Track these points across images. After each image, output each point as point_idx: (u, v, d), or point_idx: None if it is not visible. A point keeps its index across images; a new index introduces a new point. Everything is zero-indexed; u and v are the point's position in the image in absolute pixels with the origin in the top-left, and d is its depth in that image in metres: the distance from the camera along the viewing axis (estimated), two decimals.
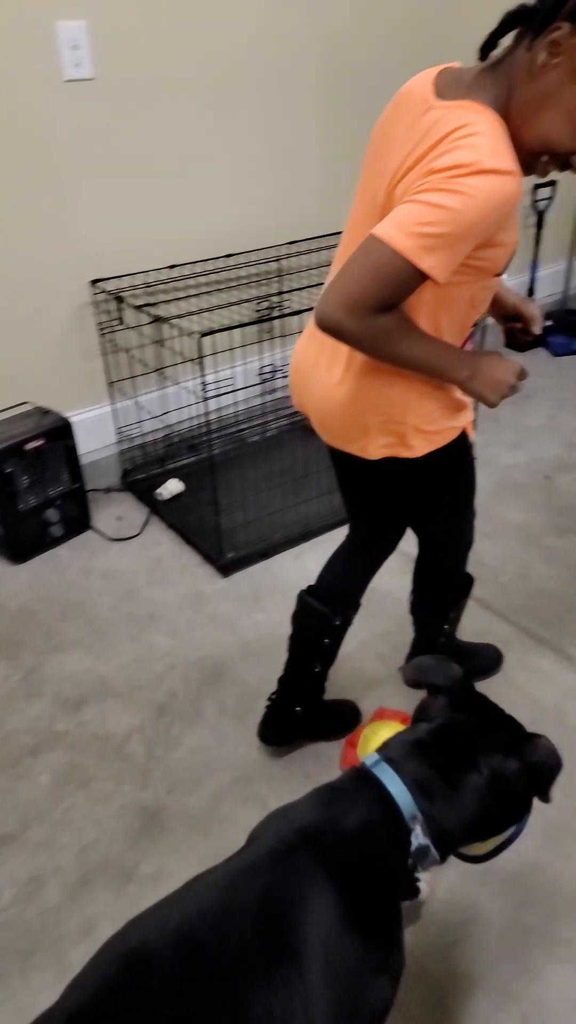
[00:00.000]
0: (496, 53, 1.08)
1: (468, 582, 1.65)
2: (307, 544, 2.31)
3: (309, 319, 1.29)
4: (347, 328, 1.05)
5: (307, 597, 1.61)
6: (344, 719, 1.72)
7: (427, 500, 1.42)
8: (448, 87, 1.05)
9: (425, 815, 0.91)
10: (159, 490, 2.47)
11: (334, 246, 2.71)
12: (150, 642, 1.97)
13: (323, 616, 1.57)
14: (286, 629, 2.00)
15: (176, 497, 2.47)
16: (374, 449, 1.27)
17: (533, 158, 1.07)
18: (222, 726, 1.73)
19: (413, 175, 1.03)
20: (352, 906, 0.84)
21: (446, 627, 1.68)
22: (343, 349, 1.20)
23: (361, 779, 0.94)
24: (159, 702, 1.79)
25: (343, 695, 1.79)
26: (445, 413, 1.26)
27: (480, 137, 0.98)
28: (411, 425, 1.23)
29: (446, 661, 1.05)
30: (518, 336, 1.38)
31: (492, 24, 1.06)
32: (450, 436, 1.29)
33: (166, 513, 2.44)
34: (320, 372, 1.27)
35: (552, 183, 3.39)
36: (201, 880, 0.89)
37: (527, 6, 1.01)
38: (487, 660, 1.85)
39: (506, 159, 0.98)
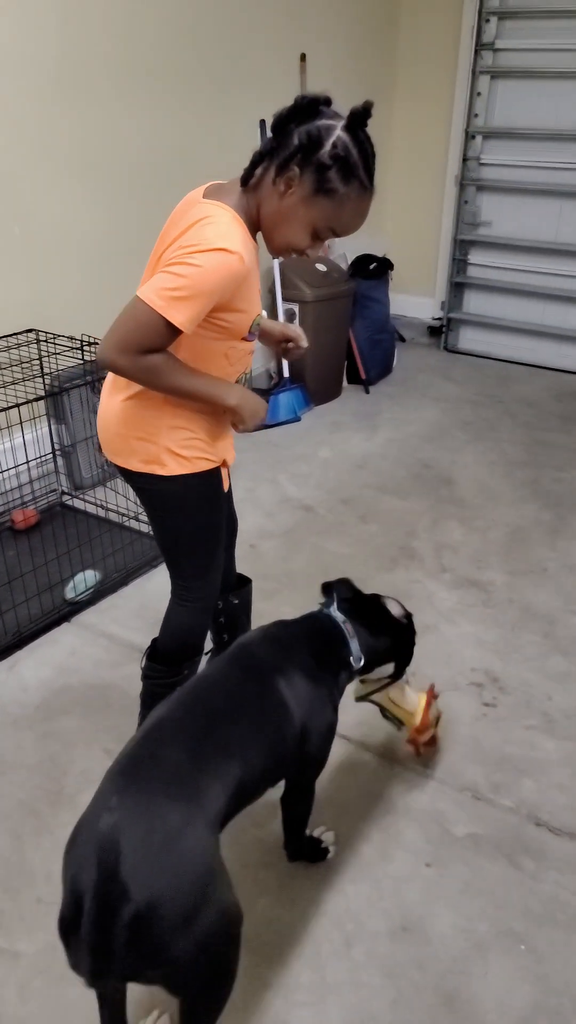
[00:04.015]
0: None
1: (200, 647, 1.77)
2: (22, 652, 2.23)
3: None
4: (120, 365, 1.35)
5: (148, 663, 1.75)
6: None
7: (174, 524, 1.61)
8: (213, 192, 1.40)
9: (354, 631, 1.54)
10: None
11: (24, 344, 2.73)
12: None
13: (176, 675, 1.74)
14: (5, 748, 1.90)
15: None
16: (135, 463, 1.52)
17: (282, 251, 1.44)
18: None
19: (172, 248, 1.34)
20: (314, 665, 1.43)
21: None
22: (118, 379, 1.49)
23: (317, 612, 1.58)
24: None
25: (76, 796, 1.75)
26: (196, 443, 1.51)
27: (215, 225, 1.31)
28: (163, 446, 1.49)
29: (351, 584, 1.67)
30: (292, 352, 1.72)
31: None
32: (202, 466, 1.53)
33: None
34: (106, 394, 1.54)
35: None
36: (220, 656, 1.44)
37: (269, 147, 1.36)
38: None
39: (231, 242, 1.30)
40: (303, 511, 3.00)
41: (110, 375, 1.54)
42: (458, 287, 4.77)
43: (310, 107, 1.33)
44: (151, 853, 1.03)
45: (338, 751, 1.89)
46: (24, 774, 1.82)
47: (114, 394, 1.51)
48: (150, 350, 1.33)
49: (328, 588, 1.65)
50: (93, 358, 2.62)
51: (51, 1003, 1.38)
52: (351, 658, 1.52)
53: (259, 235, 1.45)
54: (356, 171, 1.33)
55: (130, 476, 1.56)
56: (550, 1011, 1.37)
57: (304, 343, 1.69)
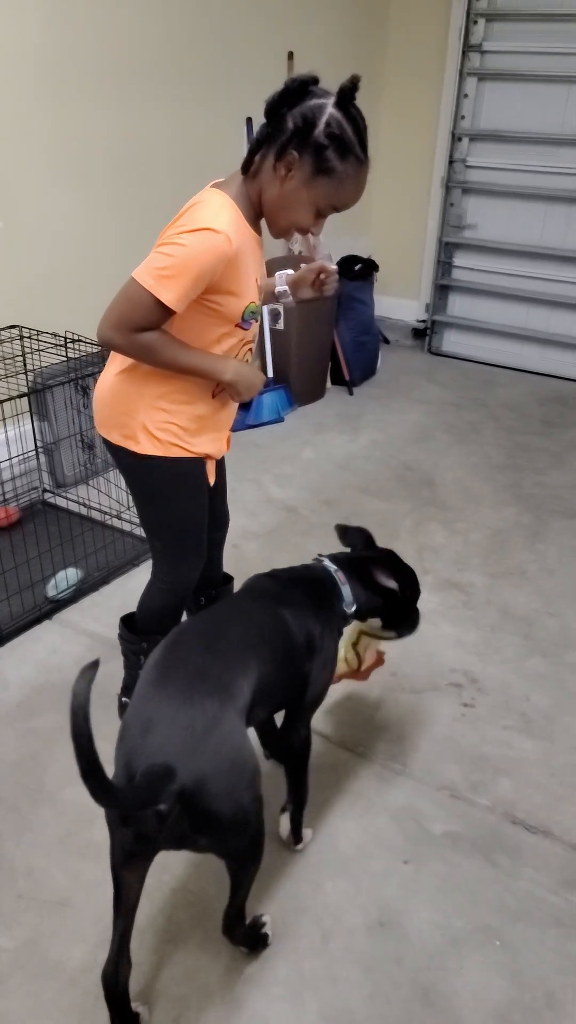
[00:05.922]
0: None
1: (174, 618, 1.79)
2: (2, 649, 2.22)
3: None
4: (116, 342, 1.42)
5: (121, 624, 1.84)
6: None
7: (146, 503, 1.66)
8: (216, 186, 1.45)
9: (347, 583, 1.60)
10: None
11: (7, 341, 2.72)
12: None
13: (136, 644, 1.82)
14: None
15: None
16: (115, 435, 1.56)
17: (286, 233, 1.49)
18: None
19: (168, 231, 1.40)
20: (314, 605, 1.51)
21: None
22: (116, 354, 1.53)
23: (316, 563, 1.64)
24: None
25: (57, 793, 1.75)
26: (172, 428, 1.54)
27: (205, 207, 1.38)
28: (140, 424, 1.53)
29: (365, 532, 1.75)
30: (328, 283, 1.70)
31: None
32: (174, 451, 1.56)
33: None
34: (105, 368, 1.60)
35: None
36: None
37: (264, 134, 1.40)
38: None
39: (218, 222, 1.35)
40: (286, 512, 3.01)
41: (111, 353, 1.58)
42: (443, 290, 4.81)
43: (300, 89, 1.37)
44: (195, 739, 1.16)
45: (318, 749, 1.91)
46: (4, 771, 1.82)
47: (110, 367, 1.57)
48: (144, 328, 1.39)
49: (343, 531, 1.75)
50: (77, 355, 2.62)
51: (31, 999, 1.38)
52: (343, 603, 1.58)
53: (263, 223, 1.48)
54: (352, 147, 1.37)
55: (111, 448, 1.60)
56: (524, 1006, 1.40)
57: (332, 265, 1.71)
